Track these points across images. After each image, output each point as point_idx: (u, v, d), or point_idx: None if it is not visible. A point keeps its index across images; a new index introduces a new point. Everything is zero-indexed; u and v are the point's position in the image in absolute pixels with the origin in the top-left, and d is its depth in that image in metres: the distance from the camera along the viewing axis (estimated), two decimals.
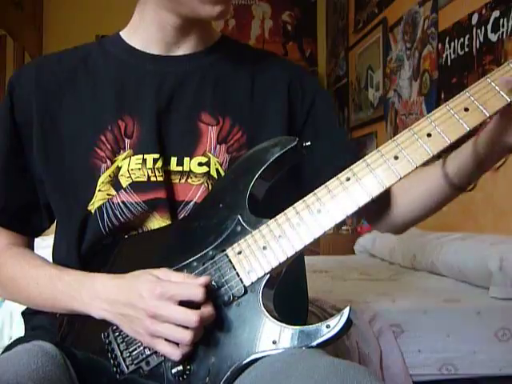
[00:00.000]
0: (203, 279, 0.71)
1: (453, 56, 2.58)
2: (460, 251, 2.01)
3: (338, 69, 4.50)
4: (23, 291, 0.84)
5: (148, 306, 0.69)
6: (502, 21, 2.17)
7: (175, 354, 0.70)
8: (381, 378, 1.48)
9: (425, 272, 2.30)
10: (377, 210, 0.91)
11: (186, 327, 0.68)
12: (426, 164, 0.72)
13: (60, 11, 4.34)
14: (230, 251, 0.75)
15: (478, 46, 2.35)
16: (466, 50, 2.44)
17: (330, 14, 4.72)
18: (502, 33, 2.17)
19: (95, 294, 0.75)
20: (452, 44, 2.59)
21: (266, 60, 0.95)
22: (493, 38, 2.23)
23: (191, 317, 0.68)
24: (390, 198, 0.89)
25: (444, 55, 2.67)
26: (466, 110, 0.69)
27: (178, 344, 0.70)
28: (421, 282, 2.12)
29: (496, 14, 2.21)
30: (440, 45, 2.71)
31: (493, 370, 1.62)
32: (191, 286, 0.70)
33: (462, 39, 2.49)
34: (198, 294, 0.69)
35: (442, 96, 2.69)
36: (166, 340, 0.70)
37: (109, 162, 0.84)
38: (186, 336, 0.68)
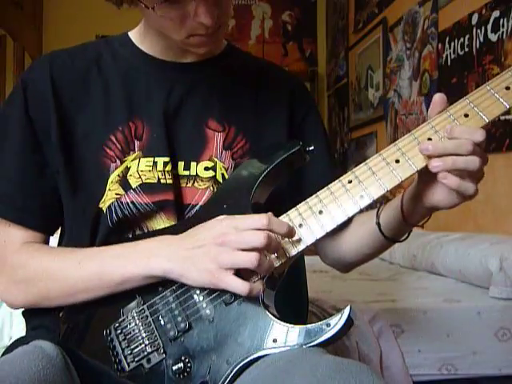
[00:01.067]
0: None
1: (453, 56, 2.58)
2: (460, 251, 2.01)
3: (337, 69, 4.50)
4: (60, 276, 0.80)
5: (221, 223, 0.71)
6: (502, 21, 2.17)
7: (244, 287, 0.69)
8: (381, 378, 1.48)
9: (425, 272, 2.30)
10: (330, 242, 0.96)
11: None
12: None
13: (60, 11, 4.34)
14: None
15: (478, 46, 2.35)
16: (466, 49, 2.44)
17: (329, 14, 4.72)
18: (502, 33, 2.17)
19: (156, 246, 0.76)
20: (452, 44, 2.58)
21: (269, 71, 1.00)
22: (493, 38, 2.23)
23: (259, 235, 0.68)
24: (343, 234, 0.93)
25: (444, 55, 2.67)
26: (466, 115, 0.71)
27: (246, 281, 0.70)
28: (421, 282, 2.12)
29: (496, 14, 2.21)
30: (440, 45, 2.71)
31: (493, 370, 1.63)
32: (258, 217, 0.71)
33: (462, 39, 2.49)
34: (264, 221, 0.69)
35: None
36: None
37: (118, 161, 0.85)
38: (252, 256, 0.68)
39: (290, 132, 0.93)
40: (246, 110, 0.92)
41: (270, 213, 0.72)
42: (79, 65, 0.90)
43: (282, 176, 0.82)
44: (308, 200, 0.75)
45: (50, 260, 0.82)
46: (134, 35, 0.93)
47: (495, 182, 2.22)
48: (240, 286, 0.69)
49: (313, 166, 0.93)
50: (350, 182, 0.74)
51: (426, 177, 0.74)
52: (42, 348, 0.74)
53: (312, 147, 0.79)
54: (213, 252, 0.70)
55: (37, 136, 0.86)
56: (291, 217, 0.75)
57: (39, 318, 0.88)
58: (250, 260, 0.68)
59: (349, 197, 0.73)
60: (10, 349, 0.82)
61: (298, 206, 0.75)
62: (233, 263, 0.69)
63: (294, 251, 0.74)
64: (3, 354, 0.82)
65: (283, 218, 0.75)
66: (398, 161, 0.72)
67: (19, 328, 1.41)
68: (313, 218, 0.74)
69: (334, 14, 4.57)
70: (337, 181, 0.75)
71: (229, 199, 0.80)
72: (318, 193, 0.75)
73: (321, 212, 0.74)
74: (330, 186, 0.75)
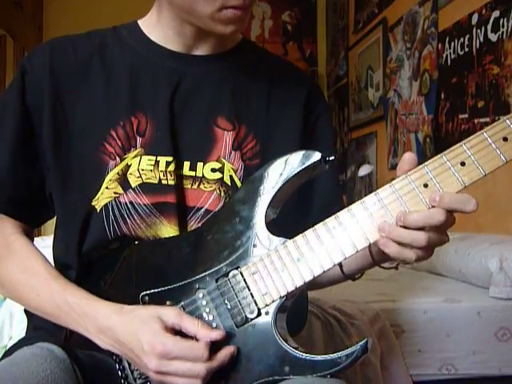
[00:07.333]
0: (215, 335, 0.68)
1: (453, 56, 2.58)
2: (460, 251, 2.01)
3: (337, 69, 4.50)
4: (23, 298, 0.81)
5: (150, 362, 0.68)
6: (502, 21, 2.17)
7: None
8: (381, 378, 1.48)
9: (425, 272, 2.30)
10: None
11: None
12: None
13: (60, 11, 4.34)
14: (244, 270, 0.72)
15: (477, 46, 2.35)
16: (466, 49, 2.44)
17: (330, 13, 4.72)
18: (502, 33, 2.17)
19: (99, 328, 0.73)
20: (452, 44, 2.59)
21: (284, 69, 0.94)
22: (493, 38, 2.23)
23: (199, 371, 0.66)
24: None
25: (444, 55, 2.67)
26: (463, 164, 0.66)
27: None
28: (421, 282, 2.12)
29: (496, 14, 2.21)
30: (440, 45, 2.71)
31: (493, 370, 1.63)
32: (195, 348, 0.67)
33: (462, 39, 2.49)
34: (202, 356, 0.67)
35: (442, 96, 2.69)
36: None
37: (118, 159, 0.81)
38: None
39: (302, 134, 0.88)
40: (257, 109, 0.87)
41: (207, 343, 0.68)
42: (81, 53, 0.86)
43: (297, 186, 0.77)
44: (327, 221, 0.70)
45: (17, 276, 0.81)
46: (144, 23, 0.88)
47: (495, 182, 2.22)
48: None
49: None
50: (374, 204, 0.68)
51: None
52: (50, 350, 0.73)
53: (332, 157, 0.73)
54: (150, 373, 0.69)
55: (33, 125, 0.84)
56: (308, 238, 0.70)
57: (42, 319, 0.84)
58: None
59: (370, 220, 0.68)
60: (13, 349, 0.80)
61: (315, 227, 0.70)
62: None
63: (309, 276, 0.70)
64: (6, 354, 0.81)
65: (299, 238, 0.71)
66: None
67: (19, 328, 1.41)
68: (331, 241, 0.69)
69: (334, 14, 4.57)
70: (359, 202, 0.69)
71: (241, 212, 0.74)
72: (338, 213, 0.69)
73: (340, 235, 0.69)
74: (351, 206, 0.69)
